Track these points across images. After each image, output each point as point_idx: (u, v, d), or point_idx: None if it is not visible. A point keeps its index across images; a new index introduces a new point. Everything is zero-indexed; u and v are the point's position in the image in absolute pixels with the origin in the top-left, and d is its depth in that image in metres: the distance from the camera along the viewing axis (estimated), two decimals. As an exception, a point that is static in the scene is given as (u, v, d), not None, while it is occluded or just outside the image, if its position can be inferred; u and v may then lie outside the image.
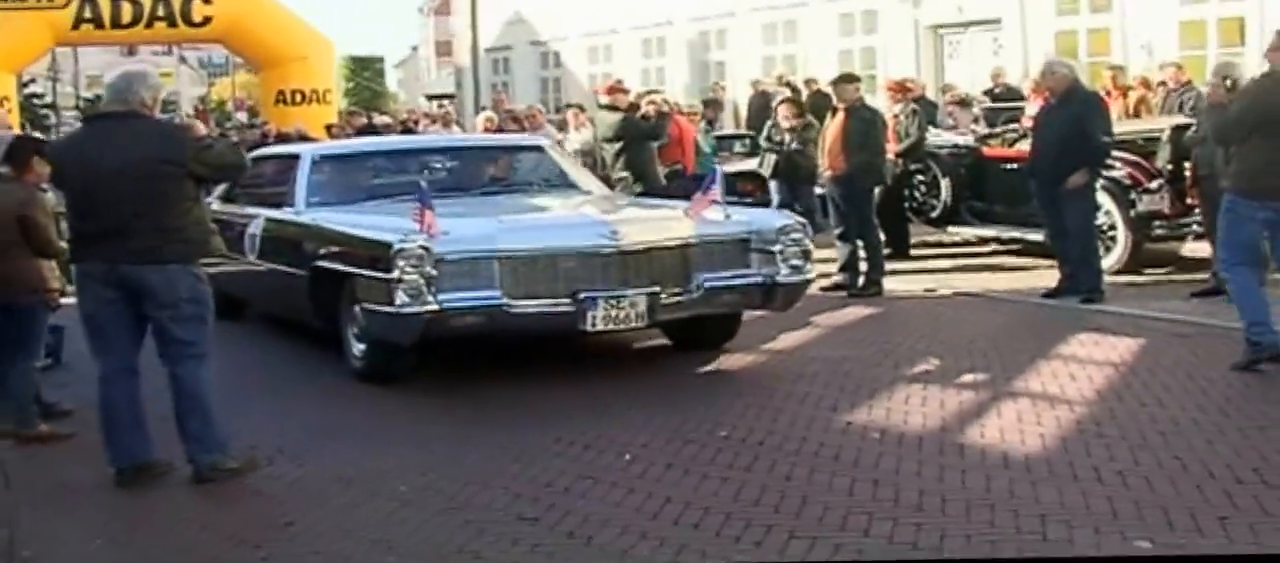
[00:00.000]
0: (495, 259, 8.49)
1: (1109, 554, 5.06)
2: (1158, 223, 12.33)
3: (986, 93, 19.30)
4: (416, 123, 23.14)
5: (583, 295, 8.47)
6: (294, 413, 8.37)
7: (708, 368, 9.22)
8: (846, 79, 13.69)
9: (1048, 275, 11.72)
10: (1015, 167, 13.13)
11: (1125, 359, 8.84)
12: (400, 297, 8.20)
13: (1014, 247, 13.93)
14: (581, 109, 18.47)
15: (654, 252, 8.81)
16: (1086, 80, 18.77)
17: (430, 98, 40.89)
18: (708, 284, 8.89)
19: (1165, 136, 12.54)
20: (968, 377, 8.45)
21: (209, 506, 6.49)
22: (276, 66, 24.08)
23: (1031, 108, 14.64)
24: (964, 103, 17.43)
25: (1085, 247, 11.27)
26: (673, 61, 29.59)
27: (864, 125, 12.97)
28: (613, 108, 14.59)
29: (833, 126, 13.28)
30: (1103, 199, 12.04)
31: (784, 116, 14.84)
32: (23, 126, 21.35)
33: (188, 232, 6.56)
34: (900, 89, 15.90)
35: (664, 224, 9.28)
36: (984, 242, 14.66)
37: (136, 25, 25.80)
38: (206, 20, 25.04)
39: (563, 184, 11.13)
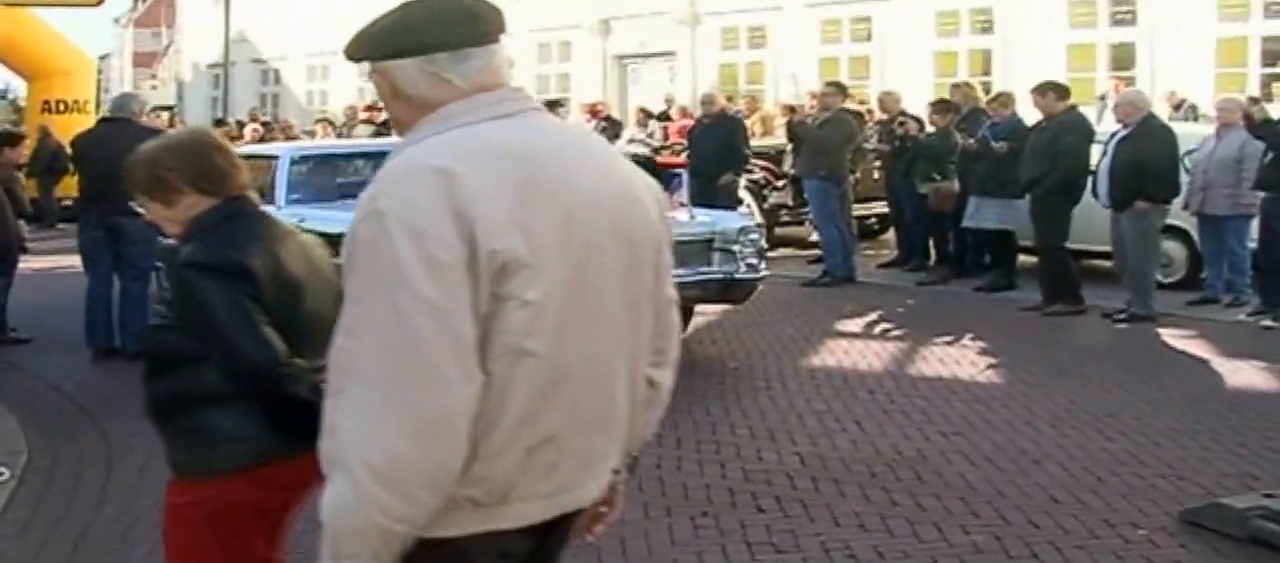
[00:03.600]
0: None
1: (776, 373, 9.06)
2: (784, 212, 16.34)
3: (660, 115, 22.88)
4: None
5: None
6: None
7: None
8: (553, 102, 17.58)
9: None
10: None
11: (753, 300, 12.89)
12: None
13: (682, 234, 17.64)
14: (330, 123, 21.20)
15: None
16: (743, 105, 22.86)
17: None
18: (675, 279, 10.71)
19: (790, 148, 16.60)
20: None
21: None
22: (44, 79, 25.98)
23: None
24: (641, 121, 21.31)
25: (731, 229, 15.25)
26: (388, 81, 32.03)
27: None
28: (370, 122, 17.89)
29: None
30: (744, 194, 16.03)
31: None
32: None
33: None
34: (591, 110, 19.64)
35: None
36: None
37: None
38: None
39: None
